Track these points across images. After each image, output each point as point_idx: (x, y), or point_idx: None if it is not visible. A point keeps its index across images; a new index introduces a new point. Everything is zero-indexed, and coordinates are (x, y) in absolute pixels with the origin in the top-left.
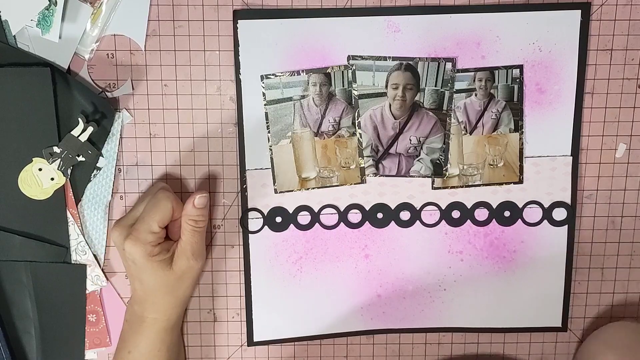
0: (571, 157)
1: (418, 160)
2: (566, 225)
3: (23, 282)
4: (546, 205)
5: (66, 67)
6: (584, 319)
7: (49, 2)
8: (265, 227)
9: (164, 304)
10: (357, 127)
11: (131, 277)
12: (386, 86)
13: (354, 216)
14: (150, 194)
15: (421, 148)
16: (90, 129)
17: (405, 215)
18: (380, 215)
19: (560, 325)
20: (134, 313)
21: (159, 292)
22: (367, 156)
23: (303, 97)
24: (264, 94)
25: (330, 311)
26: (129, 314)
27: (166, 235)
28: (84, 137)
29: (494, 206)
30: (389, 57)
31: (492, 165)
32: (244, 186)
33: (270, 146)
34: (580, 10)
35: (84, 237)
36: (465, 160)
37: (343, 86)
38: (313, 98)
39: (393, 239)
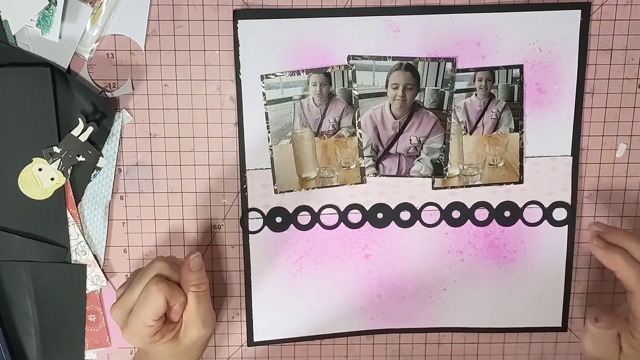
0: (571, 157)
1: (418, 160)
2: (566, 225)
3: (23, 282)
4: (546, 205)
5: (66, 67)
6: (584, 319)
7: (49, 2)
8: (265, 227)
9: None
10: (357, 127)
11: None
12: (386, 86)
13: (354, 216)
14: (145, 277)
15: (421, 148)
16: (90, 129)
17: (405, 215)
18: (380, 215)
19: (560, 325)
20: None
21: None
22: (367, 156)
23: (303, 97)
24: (264, 94)
25: (331, 311)
26: None
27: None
28: (84, 137)
29: (494, 206)
30: (389, 57)
31: (492, 165)
32: (244, 186)
33: (270, 146)
34: (580, 10)
35: (84, 237)
36: (466, 160)
37: (343, 86)
38: (313, 98)
39: (393, 239)
